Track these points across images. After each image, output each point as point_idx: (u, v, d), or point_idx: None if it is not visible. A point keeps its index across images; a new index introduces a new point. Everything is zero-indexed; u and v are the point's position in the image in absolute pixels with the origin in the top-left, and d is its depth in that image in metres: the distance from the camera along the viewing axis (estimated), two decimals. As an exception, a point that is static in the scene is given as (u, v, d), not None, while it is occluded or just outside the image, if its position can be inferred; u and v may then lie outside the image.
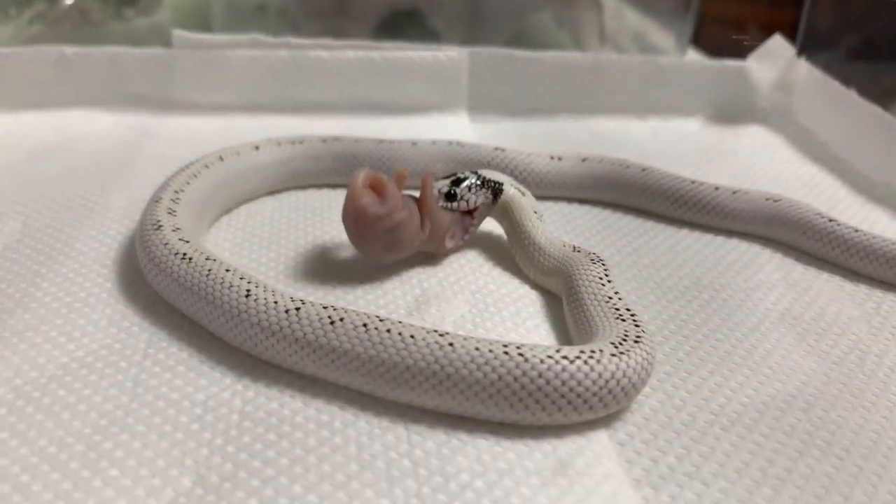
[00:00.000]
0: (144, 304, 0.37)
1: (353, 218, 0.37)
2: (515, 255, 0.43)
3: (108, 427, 0.30)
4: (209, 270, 0.34)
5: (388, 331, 0.31)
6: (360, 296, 0.39)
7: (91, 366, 0.33)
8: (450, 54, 0.64)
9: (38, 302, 0.37)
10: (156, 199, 0.41)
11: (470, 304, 0.39)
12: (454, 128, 0.63)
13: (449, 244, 0.42)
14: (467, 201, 0.42)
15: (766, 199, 0.48)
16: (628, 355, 0.31)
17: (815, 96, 0.65)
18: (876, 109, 0.59)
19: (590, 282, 0.36)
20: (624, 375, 0.30)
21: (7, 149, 0.54)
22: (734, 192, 0.48)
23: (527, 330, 0.37)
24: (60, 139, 0.56)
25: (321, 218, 0.47)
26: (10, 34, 0.67)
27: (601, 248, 0.46)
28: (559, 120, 0.67)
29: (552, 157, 0.51)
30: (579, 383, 0.30)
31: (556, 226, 0.48)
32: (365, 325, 0.31)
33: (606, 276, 0.37)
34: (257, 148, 0.48)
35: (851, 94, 0.61)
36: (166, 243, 0.37)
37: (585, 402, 0.30)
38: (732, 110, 0.69)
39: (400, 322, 0.31)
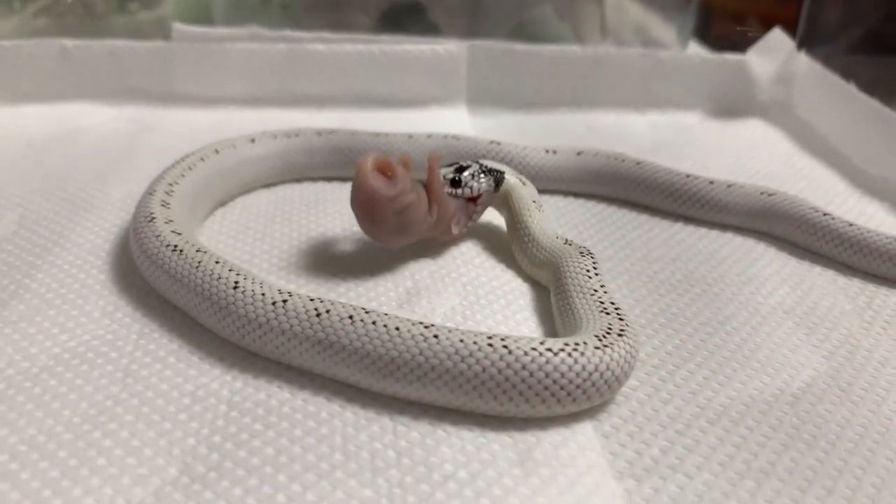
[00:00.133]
0: (137, 296, 0.38)
1: (364, 200, 0.37)
2: (512, 247, 0.43)
3: (98, 417, 0.30)
4: (199, 262, 0.35)
5: (374, 323, 0.31)
6: (351, 287, 0.39)
7: (83, 356, 0.33)
8: (448, 47, 0.64)
9: (32, 293, 0.37)
10: (150, 192, 0.41)
11: (461, 297, 0.39)
12: (453, 121, 0.63)
13: (455, 230, 0.42)
14: (471, 188, 0.42)
15: (761, 193, 0.48)
16: (612, 348, 0.31)
17: (815, 90, 0.65)
18: (875, 103, 0.59)
19: (576, 274, 0.37)
20: (607, 368, 0.30)
21: (7, 141, 0.54)
22: (729, 186, 0.48)
23: (516, 322, 0.37)
24: (60, 132, 0.57)
25: (316, 211, 0.47)
26: (14, 27, 0.68)
27: (595, 241, 0.46)
28: (558, 113, 0.67)
29: (547, 151, 0.51)
30: (563, 376, 0.30)
31: (551, 219, 0.48)
32: (351, 317, 0.31)
33: (594, 269, 0.37)
34: (253, 141, 0.48)
35: (851, 88, 0.61)
36: (158, 235, 0.37)
37: (569, 394, 0.30)
38: (732, 104, 0.69)
39: (386, 314, 0.32)
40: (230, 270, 0.34)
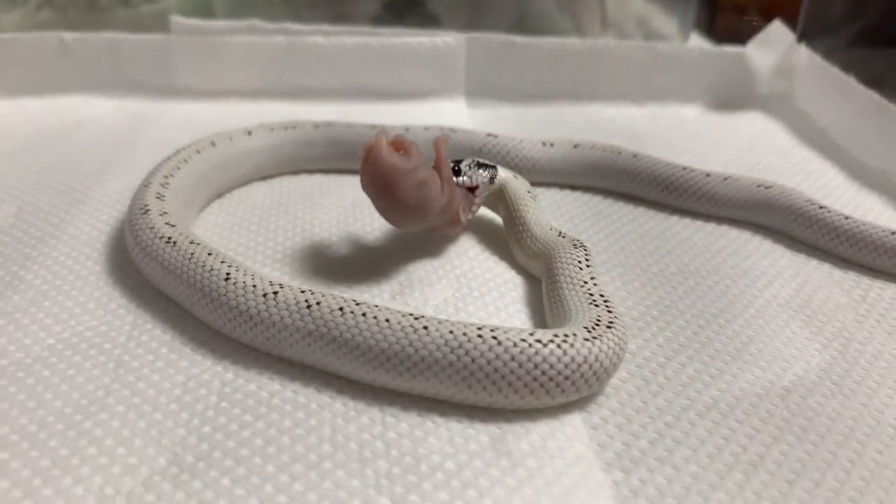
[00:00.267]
0: (132, 288, 0.38)
1: (382, 176, 0.36)
2: (508, 239, 0.43)
3: (89, 407, 0.30)
4: (192, 254, 0.35)
5: (364, 314, 0.31)
6: (345, 279, 0.39)
7: (76, 347, 0.34)
8: (447, 40, 0.64)
9: (27, 284, 0.38)
10: (145, 184, 0.41)
11: (454, 289, 0.39)
12: (451, 114, 0.63)
13: (463, 217, 0.42)
14: (470, 178, 0.42)
15: (758, 186, 0.48)
16: (601, 340, 0.31)
17: (815, 82, 0.65)
18: (875, 96, 0.58)
19: (567, 266, 0.37)
20: (596, 360, 0.31)
21: (6, 134, 0.55)
22: (725, 179, 0.48)
23: (508, 314, 0.38)
24: (60, 125, 0.57)
25: (312, 203, 0.47)
26: (17, 21, 0.68)
27: (590, 234, 0.46)
28: (557, 106, 0.66)
29: (544, 144, 0.51)
30: (552, 367, 0.30)
31: (547, 212, 0.48)
32: (341, 309, 0.31)
33: (586, 261, 0.37)
34: (249, 133, 0.48)
35: (851, 81, 0.61)
36: (152, 227, 0.37)
37: (557, 385, 0.30)
38: (732, 96, 0.68)
39: (376, 306, 0.32)
40: (222, 262, 0.34)
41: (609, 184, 0.51)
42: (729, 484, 0.29)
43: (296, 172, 0.51)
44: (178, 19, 0.63)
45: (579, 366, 0.30)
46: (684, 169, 0.49)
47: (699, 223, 0.48)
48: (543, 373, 0.30)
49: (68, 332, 0.35)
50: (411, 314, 0.31)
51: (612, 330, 0.32)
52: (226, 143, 0.47)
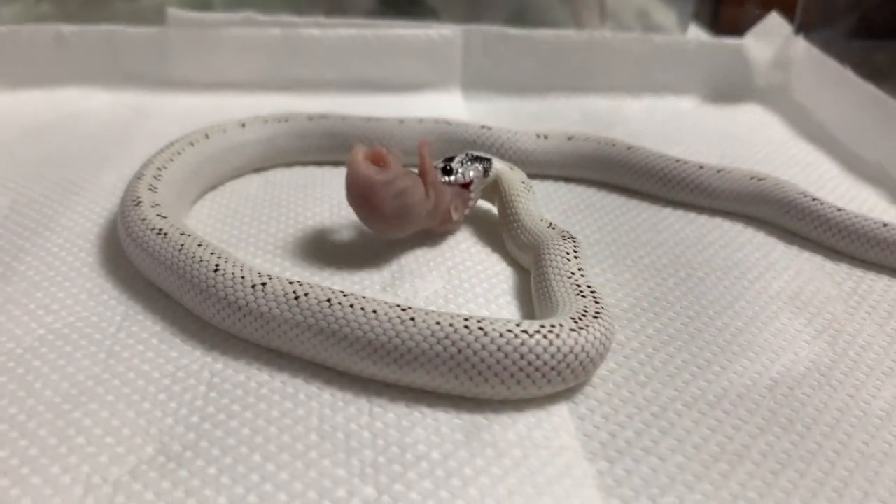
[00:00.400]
0: (123, 279, 0.38)
1: (360, 188, 0.37)
2: (501, 231, 0.43)
3: (79, 396, 0.31)
4: (182, 245, 0.35)
5: (352, 306, 0.31)
6: (337, 270, 0.40)
7: (67, 337, 0.34)
8: (443, 32, 0.64)
9: (19, 276, 0.38)
10: (138, 176, 0.41)
11: (444, 280, 0.39)
12: (447, 106, 0.63)
13: (455, 216, 0.42)
14: (462, 174, 0.42)
15: (751, 178, 0.48)
16: (587, 330, 0.31)
17: (813, 75, 0.65)
18: (872, 88, 0.58)
19: (555, 257, 0.37)
20: (582, 350, 0.31)
21: (4, 126, 0.55)
22: (719, 171, 0.48)
23: (498, 306, 0.38)
24: (56, 117, 0.57)
25: (305, 195, 0.47)
26: (17, 14, 0.68)
27: (583, 225, 0.46)
28: (553, 98, 0.66)
29: (538, 136, 0.51)
30: (538, 357, 0.30)
31: (540, 204, 0.48)
32: (329, 300, 0.31)
33: (574, 252, 0.37)
34: (243, 125, 0.49)
35: (848, 73, 0.61)
36: (144, 219, 0.37)
37: (544, 375, 0.30)
38: (729, 88, 0.68)
39: (364, 297, 0.32)
40: (212, 254, 0.34)
41: (603, 176, 0.51)
42: (714, 474, 0.29)
43: (290, 164, 0.51)
44: (174, 12, 0.63)
45: (565, 356, 0.30)
46: (678, 161, 0.49)
47: (692, 215, 0.48)
48: (530, 363, 0.30)
49: (59, 322, 0.35)
50: (398, 305, 0.31)
51: (599, 320, 0.32)
52: (219, 135, 0.47)
